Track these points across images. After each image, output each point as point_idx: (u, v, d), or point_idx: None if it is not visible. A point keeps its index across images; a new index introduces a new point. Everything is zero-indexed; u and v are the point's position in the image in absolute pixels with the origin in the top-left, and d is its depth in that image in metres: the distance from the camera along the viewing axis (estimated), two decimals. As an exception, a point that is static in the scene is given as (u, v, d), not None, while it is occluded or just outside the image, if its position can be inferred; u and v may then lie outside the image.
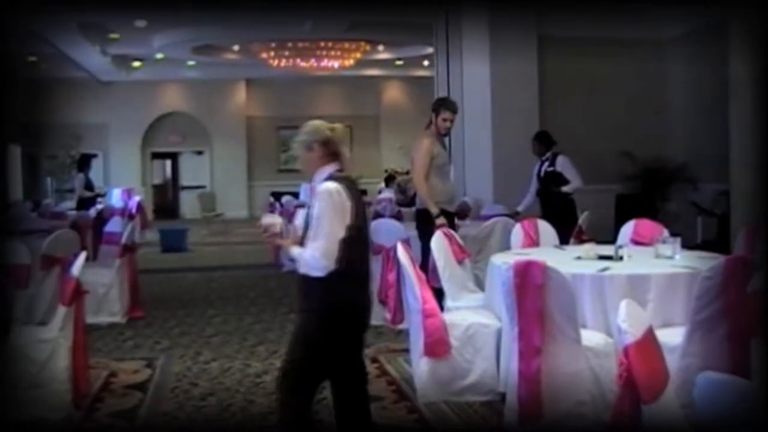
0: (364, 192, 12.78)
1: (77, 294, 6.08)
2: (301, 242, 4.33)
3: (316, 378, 4.40)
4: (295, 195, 19.08)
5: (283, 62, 21.38)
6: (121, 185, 23.18)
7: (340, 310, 4.28)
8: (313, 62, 21.43)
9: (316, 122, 4.49)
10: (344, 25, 17.96)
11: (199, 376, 7.10)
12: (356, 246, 4.27)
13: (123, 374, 7.23)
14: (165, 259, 16.16)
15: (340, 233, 4.17)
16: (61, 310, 5.99)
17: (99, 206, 16.34)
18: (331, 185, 4.23)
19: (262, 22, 17.80)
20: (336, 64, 21.64)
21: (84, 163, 15.62)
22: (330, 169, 4.37)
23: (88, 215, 14.42)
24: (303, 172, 4.54)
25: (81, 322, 6.24)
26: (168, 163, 28.46)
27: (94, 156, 25.44)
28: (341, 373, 4.49)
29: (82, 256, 6.44)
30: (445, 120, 8.14)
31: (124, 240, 9.87)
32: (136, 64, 22.75)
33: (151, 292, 11.33)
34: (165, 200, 28.09)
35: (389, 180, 19.99)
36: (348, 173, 4.41)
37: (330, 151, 4.39)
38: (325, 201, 4.19)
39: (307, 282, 4.28)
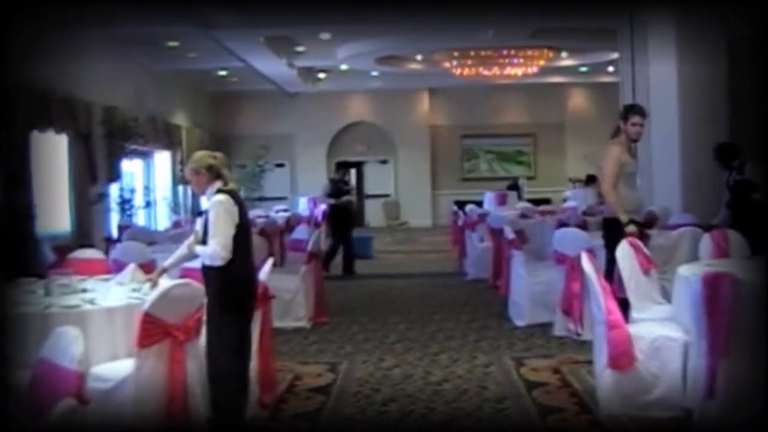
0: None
1: (264, 298, 6.27)
2: (203, 242, 5.53)
3: (241, 340, 5.62)
4: (479, 203, 18.87)
5: (466, 71, 21.32)
6: (308, 194, 23.67)
7: (236, 286, 5.54)
8: (496, 70, 21.31)
9: (200, 153, 5.77)
10: (527, 32, 17.79)
11: (381, 382, 7.20)
12: (244, 238, 5.59)
13: (307, 377, 7.42)
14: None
15: (232, 231, 5.45)
16: (249, 315, 6.18)
17: (286, 214, 16.80)
18: (221, 196, 5.52)
19: (444, 32, 17.85)
20: (519, 71, 21.45)
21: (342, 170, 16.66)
22: (217, 185, 5.61)
23: (276, 223, 14.84)
24: (196, 191, 5.80)
25: (268, 326, 6.43)
26: (353, 172, 28.91)
27: (281, 165, 26.26)
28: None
29: (270, 262, 6.66)
30: (634, 125, 7.92)
31: (309, 247, 10.11)
32: (322, 75, 23.24)
33: (335, 299, 11.56)
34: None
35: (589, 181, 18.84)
36: (231, 187, 5.66)
37: (214, 173, 5.62)
38: (218, 208, 5.47)
39: (205, 273, 5.52)
